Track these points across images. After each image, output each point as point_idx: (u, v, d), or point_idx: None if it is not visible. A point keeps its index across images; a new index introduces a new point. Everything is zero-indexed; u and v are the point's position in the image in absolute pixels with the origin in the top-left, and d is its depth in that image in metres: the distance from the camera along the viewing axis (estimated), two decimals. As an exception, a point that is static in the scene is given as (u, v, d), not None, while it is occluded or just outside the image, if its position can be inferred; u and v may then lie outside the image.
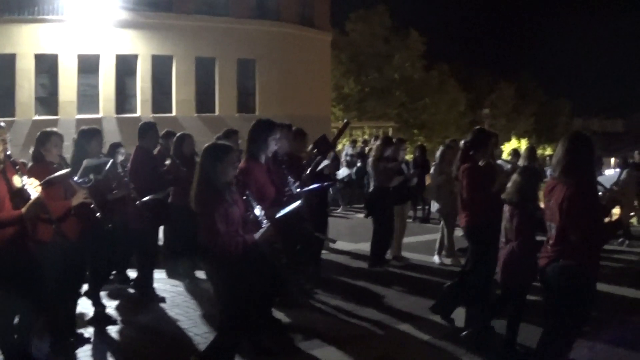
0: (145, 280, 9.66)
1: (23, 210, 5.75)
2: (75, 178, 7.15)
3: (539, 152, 53.39)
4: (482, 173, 8.15)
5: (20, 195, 5.90)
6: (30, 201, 5.77)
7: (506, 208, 7.07)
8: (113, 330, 8.08)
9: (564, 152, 5.67)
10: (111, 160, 8.16)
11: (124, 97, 32.52)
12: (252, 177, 6.92)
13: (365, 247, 12.90)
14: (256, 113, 34.56)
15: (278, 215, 6.45)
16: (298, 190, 7.99)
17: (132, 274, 10.29)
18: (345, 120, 18.89)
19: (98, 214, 6.87)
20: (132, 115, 31.44)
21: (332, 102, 45.61)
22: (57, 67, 30.81)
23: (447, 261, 12.38)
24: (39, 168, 6.75)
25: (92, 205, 6.77)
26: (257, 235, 6.05)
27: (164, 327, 8.34)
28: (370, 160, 12.22)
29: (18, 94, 30.14)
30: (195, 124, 30.03)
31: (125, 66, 32.25)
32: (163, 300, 9.50)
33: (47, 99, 31.12)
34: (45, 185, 6.14)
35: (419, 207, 19.23)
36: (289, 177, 7.81)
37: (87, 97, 31.50)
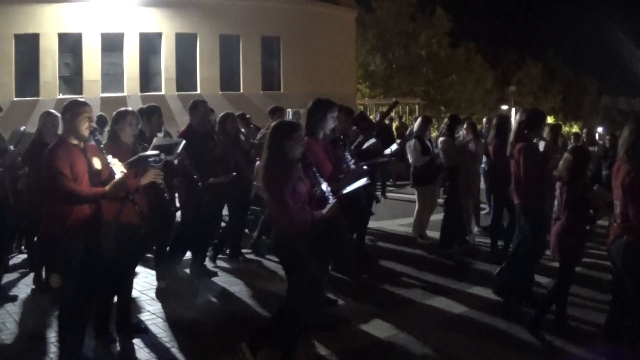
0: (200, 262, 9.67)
1: (107, 188, 5.83)
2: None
3: (566, 129, 53.03)
4: (538, 151, 8.40)
5: (98, 175, 5.98)
6: (115, 181, 5.85)
7: (558, 185, 7.15)
8: (169, 309, 8.10)
9: (629, 133, 5.92)
10: (183, 141, 7.94)
11: (148, 76, 32.47)
12: (310, 154, 6.81)
13: (385, 225, 12.90)
14: (281, 91, 34.55)
15: (345, 191, 6.49)
16: (353, 167, 7.88)
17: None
18: (394, 100, 18.63)
19: (166, 195, 6.87)
20: (156, 93, 31.33)
21: (358, 80, 45.39)
22: (81, 46, 30.74)
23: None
24: (113, 147, 6.54)
25: (162, 186, 6.67)
26: (324, 211, 6.04)
27: (219, 305, 8.42)
28: (441, 139, 11.85)
29: (42, 74, 30.12)
30: (219, 102, 29.63)
31: (149, 44, 32.17)
32: (215, 274, 9.64)
33: (71, 78, 31.14)
34: (130, 167, 6.15)
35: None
36: (347, 155, 7.76)
37: (111, 75, 31.46)
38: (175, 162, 7.88)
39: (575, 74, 74.34)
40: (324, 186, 6.28)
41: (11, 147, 7.95)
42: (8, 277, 9.27)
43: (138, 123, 7.13)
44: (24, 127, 9.51)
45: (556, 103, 68.12)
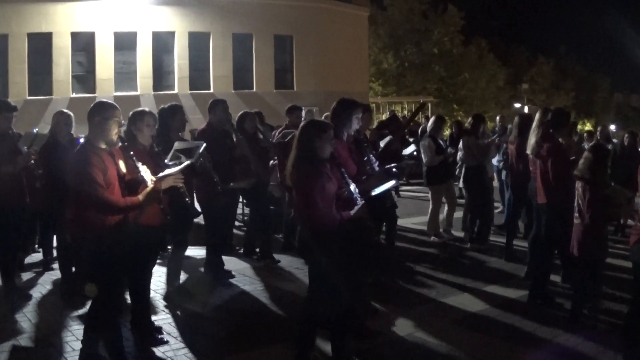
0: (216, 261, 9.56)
1: (140, 198, 5.68)
2: (166, 160, 6.92)
3: (579, 127, 52.85)
4: (565, 151, 8.26)
5: (124, 180, 5.79)
6: (148, 190, 5.72)
7: (578, 185, 7.12)
8: (189, 310, 8.03)
9: None
10: (204, 144, 7.80)
11: (161, 74, 32.56)
12: (334, 154, 6.67)
13: (399, 223, 12.81)
14: (294, 89, 34.59)
15: (375, 192, 6.46)
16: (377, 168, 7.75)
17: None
18: (421, 101, 18.55)
19: (188, 199, 6.49)
20: (169, 92, 31.39)
21: (370, 77, 45.36)
22: (94, 45, 30.83)
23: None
24: (129, 149, 6.26)
25: (182, 190, 6.30)
26: (352, 212, 5.96)
27: (234, 305, 8.34)
28: (465, 138, 11.79)
29: (55, 72, 30.21)
30: (232, 101, 29.24)
31: (162, 43, 32.28)
32: (232, 276, 9.48)
33: (84, 77, 31.19)
34: (160, 180, 5.92)
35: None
36: (371, 156, 7.57)
37: (124, 74, 31.54)
38: (197, 164, 7.78)
39: (587, 70, 74.11)
40: (352, 187, 6.18)
41: (24, 149, 7.89)
42: (25, 276, 9.32)
43: (155, 124, 6.93)
44: (37, 129, 9.50)
45: (568, 100, 67.82)
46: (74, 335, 6.85)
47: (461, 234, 12.24)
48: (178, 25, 32.43)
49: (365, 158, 7.38)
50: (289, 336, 6.26)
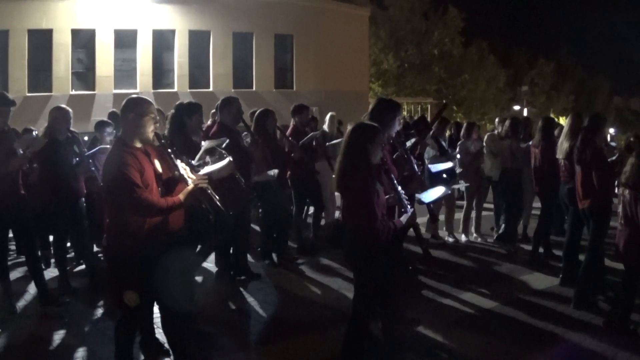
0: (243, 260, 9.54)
1: (182, 197, 5.39)
2: (194, 162, 6.44)
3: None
4: (605, 156, 8.40)
5: (160, 179, 5.50)
6: (189, 190, 5.42)
7: (624, 191, 7.05)
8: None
9: None
10: (227, 140, 7.59)
11: (161, 72, 32.53)
12: (384, 159, 6.44)
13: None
14: (293, 89, 34.58)
15: (429, 200, 6.33)
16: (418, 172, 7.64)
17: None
18: (444, 102, 18.44)
19: (217, 200, 5.72)
20: (169, 90, 31.50)
21: (370, 78, 45.31)
22: (94, 42, 30.78)
23: (473, 238, 12.41)
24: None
25: (209, 191, 5.69)
26: (403, 220, 5.77)
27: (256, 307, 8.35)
28: (508, 141, 11.70)
29: (55, 69, 30.13)
30: (232, 100, 29.78)
31: (163, 41, 32.26)
32: (258, 277, 9.49)
33: (84, 74, 31.12)
34: (203, 178, 5.58)
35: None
36: (412, 158, 7.14)
37: (124, 72, 31.49)
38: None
39: (588, 73, 74.03)
40: (402, 193, 5.91)
41: (20, 150, 7.71)
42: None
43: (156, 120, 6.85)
44: (37, 132, 9.37)
45: (568, 103, 67.81)
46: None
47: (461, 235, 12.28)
48: (178, 23, 32.40)
49: (406, 159, 6.97)
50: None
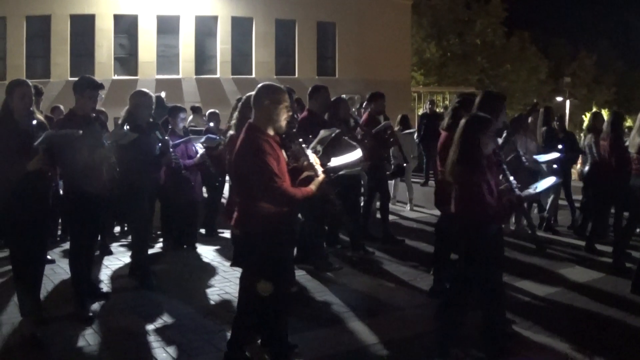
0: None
1: (313, 187, 5.45)
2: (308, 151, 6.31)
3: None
4: None
5: (289, 169, 5.51)
6: (319, 180, 5.50)
7: None
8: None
9: None
10: (337, 130, 7.37)
11: (203, 59, 32.55)
12: (496, 150, 6.54)
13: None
14: (336, 76, 34.38)
15: (537, 190, 6.25)
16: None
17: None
18: (535, 101, 18.11)
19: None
20: (211, 76, 31.63)
21: (412, 67, 44.93)
22: (137, 27, 30.94)
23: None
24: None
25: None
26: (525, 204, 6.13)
27: None
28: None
29: (97, 54, 30.37)
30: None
31: (205, 27, 32.28)
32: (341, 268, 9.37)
33: (126, 59, 31.35)
34: (333, 171, 5.86)
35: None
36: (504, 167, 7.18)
37: (166, 57, 31.64)
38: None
39: (629, 66, 73.06)
40: (514, 182, 6.06)
41: (106, 143, 7.21)
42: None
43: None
44: (128, 127, 8.76)
45: (609, 96, 67.05)
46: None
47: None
48: (221, 9, 32.39)
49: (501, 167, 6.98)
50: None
